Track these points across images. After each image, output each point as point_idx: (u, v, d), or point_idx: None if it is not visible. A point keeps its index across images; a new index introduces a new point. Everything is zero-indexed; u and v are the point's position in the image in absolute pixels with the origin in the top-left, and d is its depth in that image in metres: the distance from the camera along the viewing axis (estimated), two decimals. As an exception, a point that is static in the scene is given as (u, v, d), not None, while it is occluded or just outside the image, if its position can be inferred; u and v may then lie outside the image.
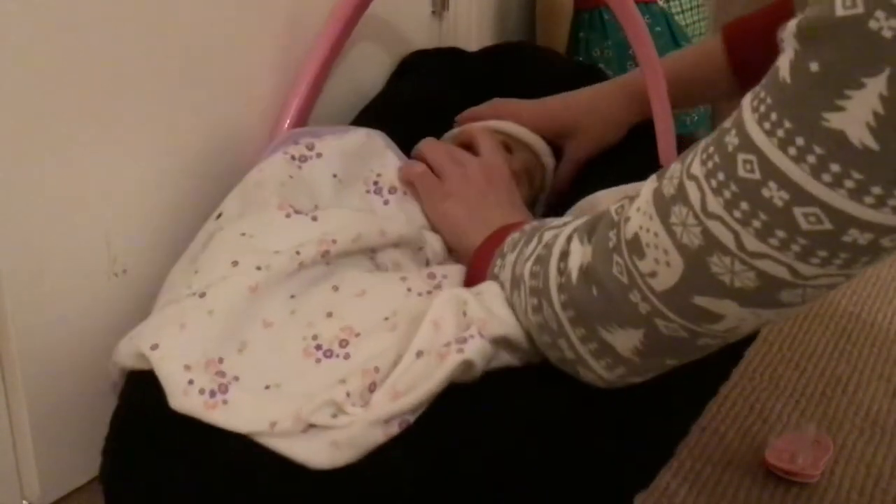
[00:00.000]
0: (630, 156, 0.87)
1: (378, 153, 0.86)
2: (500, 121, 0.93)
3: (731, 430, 0.97)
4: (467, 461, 0.58)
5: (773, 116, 0.48)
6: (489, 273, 0.71)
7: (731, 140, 0.50)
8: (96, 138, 0.73)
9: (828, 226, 0.48)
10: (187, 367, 0.62)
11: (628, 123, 0.94)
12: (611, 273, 0.57)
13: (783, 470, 0.89)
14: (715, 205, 0.51)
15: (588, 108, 0.94)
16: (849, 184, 0.46)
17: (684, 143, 0.89)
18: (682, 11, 1.51)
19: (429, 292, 0.71)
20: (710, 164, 0.51)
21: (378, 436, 0.59)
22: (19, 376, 0.72)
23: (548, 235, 0.65)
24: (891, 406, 1.02)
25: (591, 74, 1.10)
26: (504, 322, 0.65)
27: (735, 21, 0.89)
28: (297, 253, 0.70)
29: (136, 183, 0.77)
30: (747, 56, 0.88)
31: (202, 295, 0.66)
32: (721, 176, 0.50)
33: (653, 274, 0.55)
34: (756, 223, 0.50)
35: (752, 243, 0.50)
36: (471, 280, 0.73)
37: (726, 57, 0.89)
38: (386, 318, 0.68)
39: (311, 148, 0.81)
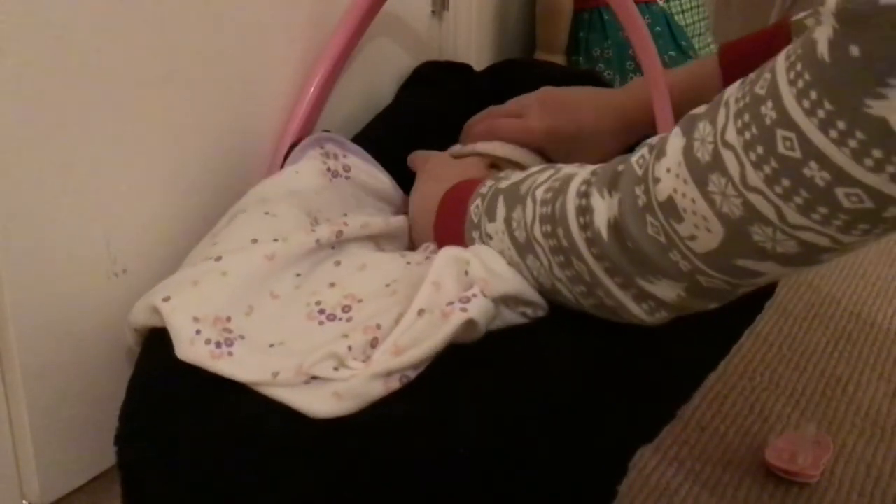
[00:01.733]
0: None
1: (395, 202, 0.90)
2: (488, 143, 0.93)
3: (731, 430, 0.97)
4: (467, 417, 0.59)
5: (813, 95, 0.48)
6: (466, 238, 0.72)
7: (769, 112, 0.50)
8: (96, 138, 0.73)
9: (869, 205, 0.48)
10: (196, 319, 0.64)
11: (624, 145, 0.92)
12: (645, 232, 0.57)
13: (783, 470, 0.89)
14: (755, 178, 0.51)
15: (586, 132, 0.92)
16: (890, 168, 0.46)
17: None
18: (682, 11, 1.51)
19: (427, 259, 0.73)
20: (747, 136, 0.51)
21: (379, 389, 0.60)
22: (19, 376, 0.72)
23: (541, 193, 0.65)
24: (891, 406, 1.02)
25: (592, 83, 1.10)
26: (506, 280, 0.66)
27: (732, 43, 0.89)
28: (313, 230, 0.72)
29: (137, 183, 0.77)
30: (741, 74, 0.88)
31: (218, 259, 0.69)
32: (760, 150, 0.50)
33: (692, 237, 0.55)
34: (798, 199, 0.50)
35: (794, 217, 0.50)
36: (441, 232, 0.75)
37: (722, 82, 0.88)
38: (387, 286, 0.70)
39: (347, 169, 0.85)
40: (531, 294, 0.67)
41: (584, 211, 0.61)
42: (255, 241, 0.71)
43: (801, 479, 0.88)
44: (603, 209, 0.60)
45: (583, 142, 0.91)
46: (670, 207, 0.56)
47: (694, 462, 0.91)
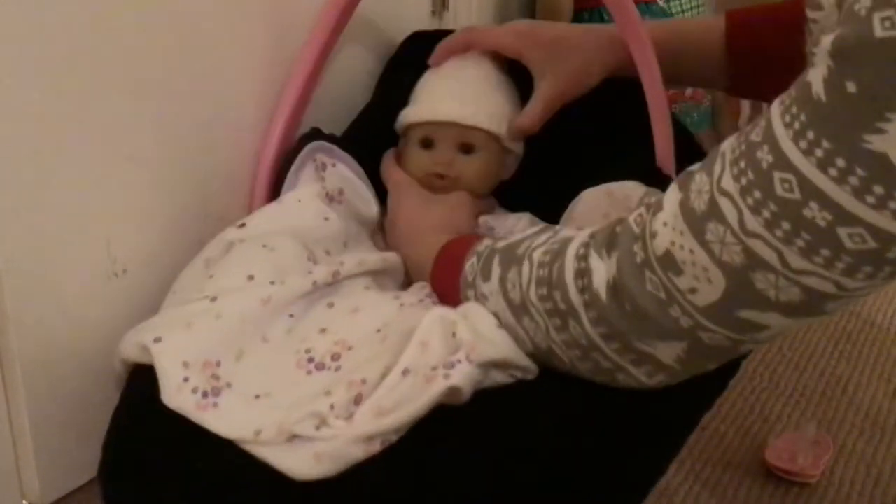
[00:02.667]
0: (628, 157, 0.86)
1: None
2: (461, 116, 0.87)
3: (731, 430, 0.97)
4: (446, 487, 0.58)
5: (810, 135, 0.47)
6: (461, 296, 0.70)
7: (765, 157, 0.49)
8: (97, 138, 0.73)
9: (872, 244, 0.47)
10: (185, 365, 0.63)
11: (608, 68, 0.87)
12: (644, 289, 0.56)
13: (783, 470, 0.89)
14: (754, 223, 0.50)
15: (571, 42, 0.87)
16: (893, 205, 0.45)
17: (685, 143, 0.89)
18: (682, 11, 1.51)
19: (420, 301, 0.72)
20: (743, 181, 0.50)
21: (359, 453, 0.59)
22: (19, 376, 0.72)
23: (538, 255, 0.64)
24: (891, 406, 1.02)
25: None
26: (494, 345, 0.65)
27: (741, 9, 0.87)
28: (310, 272, 0.71)
29: (137, 183, 0.77)
30: (746, 43, 0.86)
31: (213, 299, 0.68)
32: (758, 194, 0.50)
33: (693, 290, 0.54)
34: (799, 242, 0.49)
35: (796, 261, 0.49)
36: (438, 287, 0.74)
37: (726, 38, 0.86)
38: (378, 331, 0.69)
39: (341, 193, 0.84)
40: (520, 359, 0.65)
41: (583, 273, 0.60)
42: (251, 277, 0.70)
43: (801, 479, 0.88)
44: (602, 270, 0.59)
45: (565, 51, 0.85)
46: (669, 261, 0.55)
47: (694, 462, 0.91)
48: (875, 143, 0.44)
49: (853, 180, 0.46)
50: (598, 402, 0.64)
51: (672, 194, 0.56)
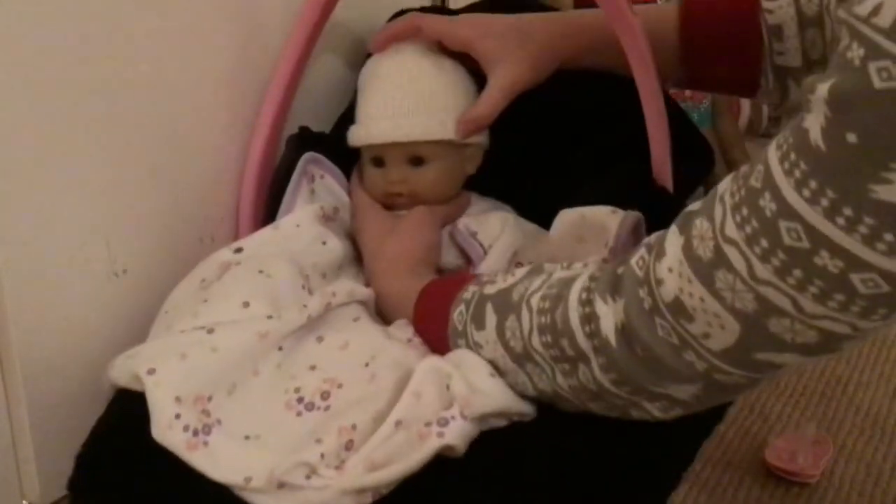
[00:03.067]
0: (620, 164, 0.84)
1: None
2: (400, 135, 0.82)
3: (731, 430, 0.97)
4: None
5: (813, 184, 0.46)
6: (451, 345, 0.69)
7: (768, 205, 0.49)
8: (97, 138, 0.73)
9: (886, 289, 0.47)
10: (178, 400, 0.63)
11: (564, 55, 0.83)
12: (656, 335, 0.55)
13: (783, 470, 0.89)
14: (764, 272, 0.49)
15: (526, 29, 0.82)
16: None
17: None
18: (682, 11, 1.51)
19: (409, 340, 0.71)
20: (748, 230, 0.50)
21: (351, 503, 0.59)
22: (19, 376, 0.72)
23: (536, 301, 0.62)
24: (891, 406, 1.02)
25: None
26: (489, 396, 0.64)
27: None
28: (305, 306, 0.70)
29: (137, 183, 0.77)
30: (699, 31, 0.82)
31: (210, 331, 0.67)
32: (765, 243, 0.49)
33: (706, 336, 0.53)
34: (812, 289, 0.48)
35: (810, 306, 0.49)
36: (424, 335, 0.72)
37: (679, 25, 0.83)
38: (366, 364, 0.68)
39: (336, 212, 0.83)
40: (517, 406, 0.65)
41: (589, 319, 0.59)
42: (246, 304, 0.70)
43: (801, 479, 0.88)
44: (609, 315, 0.57)
45: (520, 38, 0.80)
46: (678, 308, 0.54)
47: (694, 462, 0.91)
48: (881, 192, 0.44)
49: (862, 229, 0.45)
50: (597, 439, 0.64)
51: (673, 238, 0.55)
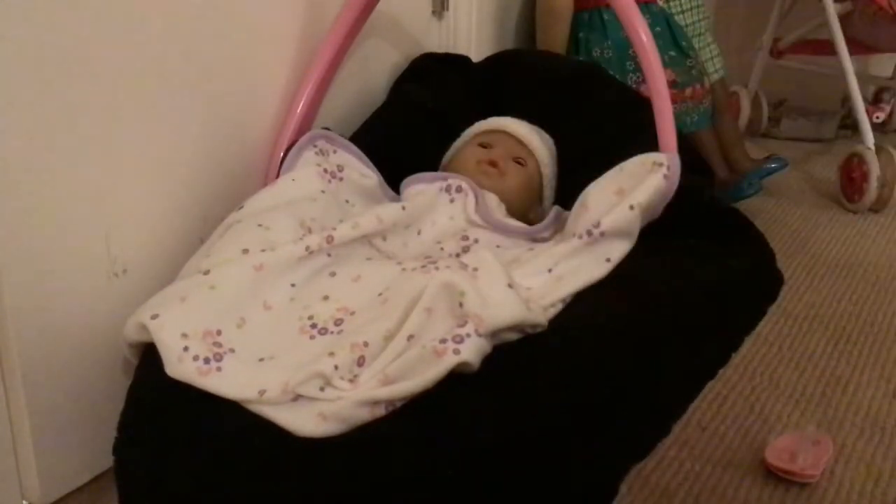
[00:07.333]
0: (630, 147, 0.86)
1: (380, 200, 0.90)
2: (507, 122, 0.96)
3: (731, 430, 0.96)
4: (453, 439, 0.59)
5: None
6: None
7: None
8: (97, 139, 0.73)
9: None
10: (184, 336, 0.65)
11: None
12: None
13: (783, 470, 0.89)
14: None
15: None
16: None
17: (685, 140, 0.89)
18: (682, 11, 1.51)
19: (422, 266, 0.72)
20: None
21: (365, 415, 0.60)
22: (19, 376, 0.72)
23: None
24: (891, 406, 1.02)
25: (591, 74, 1.10)
26: (503, 308, 0.65)
27: None
28: (301, 238, 0.73)
29: (137, 183, 0.77)
30: None
31: (206, 272, 0.69)
32: None
33: None
34: None
35: None
36: None
37: None
38: (379, 294, 0.70)
39: (340, 169, 0.87)
40: (531, 317, 0.66)
41: None
42: (245, 251, 0.71)
43: (801, 480, 0.88)
44: None
45: None
46: None
47: (694, 462, 0.91)
48: None
49: None
50: (605, 357, 0.65)
51: None
